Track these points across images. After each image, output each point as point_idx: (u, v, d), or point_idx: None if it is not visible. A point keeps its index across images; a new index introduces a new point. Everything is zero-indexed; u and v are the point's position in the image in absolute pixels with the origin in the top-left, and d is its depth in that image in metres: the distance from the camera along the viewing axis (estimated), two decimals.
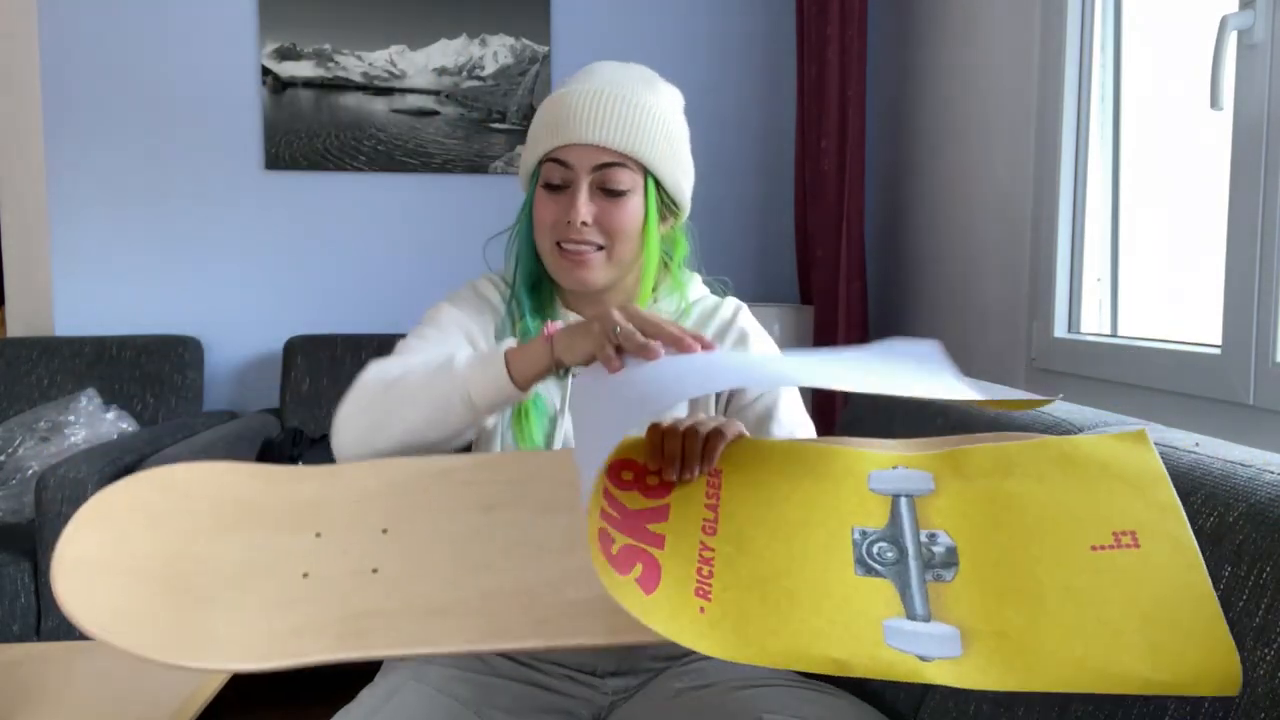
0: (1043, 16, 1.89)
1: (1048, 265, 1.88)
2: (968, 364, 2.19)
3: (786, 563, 0.72)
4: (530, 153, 1.08)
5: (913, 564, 0.71)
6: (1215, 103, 1.37)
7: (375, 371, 0.98)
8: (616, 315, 0.83)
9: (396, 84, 2.70)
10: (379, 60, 2.69)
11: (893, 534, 0.73)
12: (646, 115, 1.04)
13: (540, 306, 1.12)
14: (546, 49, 2.73)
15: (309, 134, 2.68)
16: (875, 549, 0.73)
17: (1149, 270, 1.79)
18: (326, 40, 2.67)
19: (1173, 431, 0.96)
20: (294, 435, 2.36)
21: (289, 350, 2.56)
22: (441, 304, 1.15)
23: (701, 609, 0.67)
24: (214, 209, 2.67)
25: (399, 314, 2.75)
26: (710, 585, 0.69)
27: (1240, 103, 1.37)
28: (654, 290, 1.13)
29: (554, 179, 1.04)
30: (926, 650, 0.65)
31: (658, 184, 1.07)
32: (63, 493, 1.93)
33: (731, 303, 1.17)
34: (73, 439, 2.23)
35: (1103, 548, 0.69)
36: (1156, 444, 0.89)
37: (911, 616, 0.67)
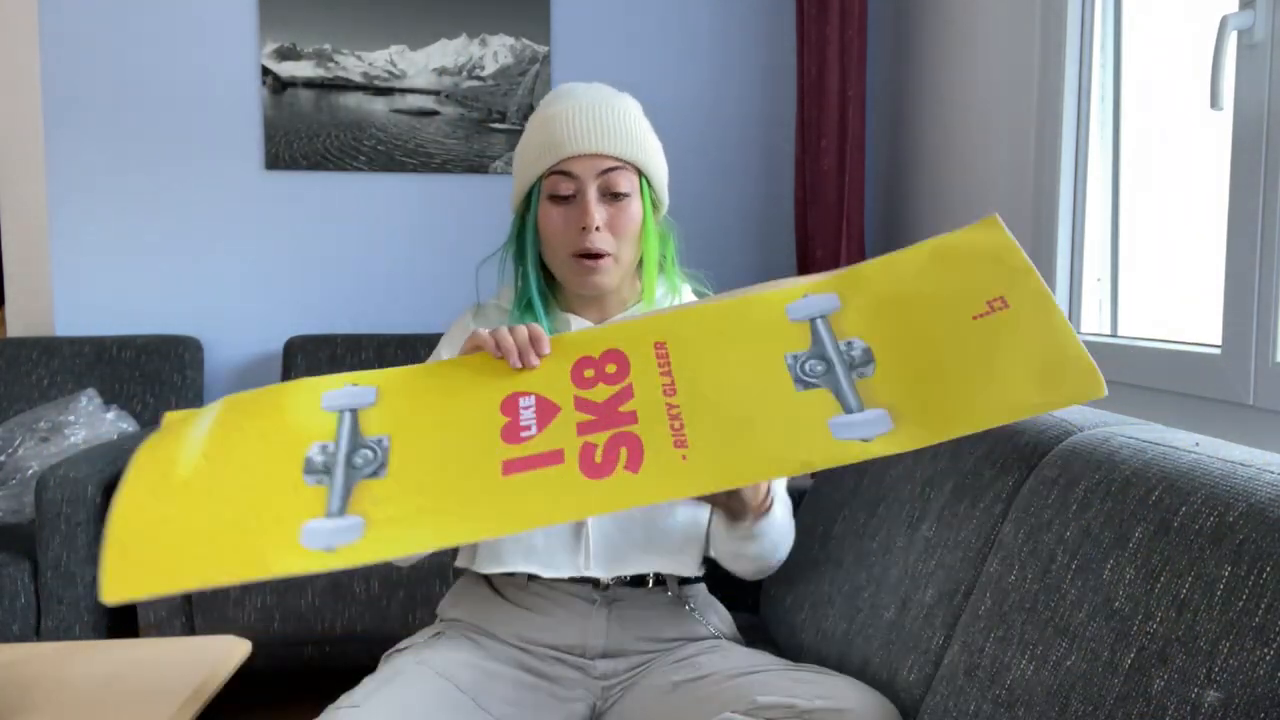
0: (1043, 17, 1.89)
1: (1048, 265, 1.88)
2: None
3: (738, 395, 0.86)
4: (527, 172, 1.13)
5: (840, 369, 0.86)
6: (1215, 103, 1.37)
7: None
8: None
9: (396, 84, 2.70)
10: (379, 60, 2.69)
11: (818, 351, 0.88)
12: (633, 121, 1.13)
13: (540, 320, 1.15)
14: (546, 49, 2.73)
15: (309, 134, 2.68)
16: (807, 366, 0.87)
17: (1149, 270, 1.79)
18: (326, 40, 2.67)
19: (1173, 431, 0.96)
20: None
21: (289, 350, 2.56)
22: None
23: (684, 456, 0.81)
24: (214, 209, 2.67)
25: (399, 314, 2.75)
26: (685, 435, 0.83)
27: (1240, 103, 1.37)
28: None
29: (561, 190, 1.11)
30: (867, 433, 0.80)
31: (648, 182, 1.15)
32: (63, 493, 1.93)
33: None
34: (73, 439, 2.23)
35: (981, 315, 0.84)
36: (1156, 444, 0.90)
37: (848, 411, 0.82)
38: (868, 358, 0.86)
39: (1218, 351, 1.42)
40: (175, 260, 2.66)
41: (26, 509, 2.13)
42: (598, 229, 1.09)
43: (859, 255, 2.41)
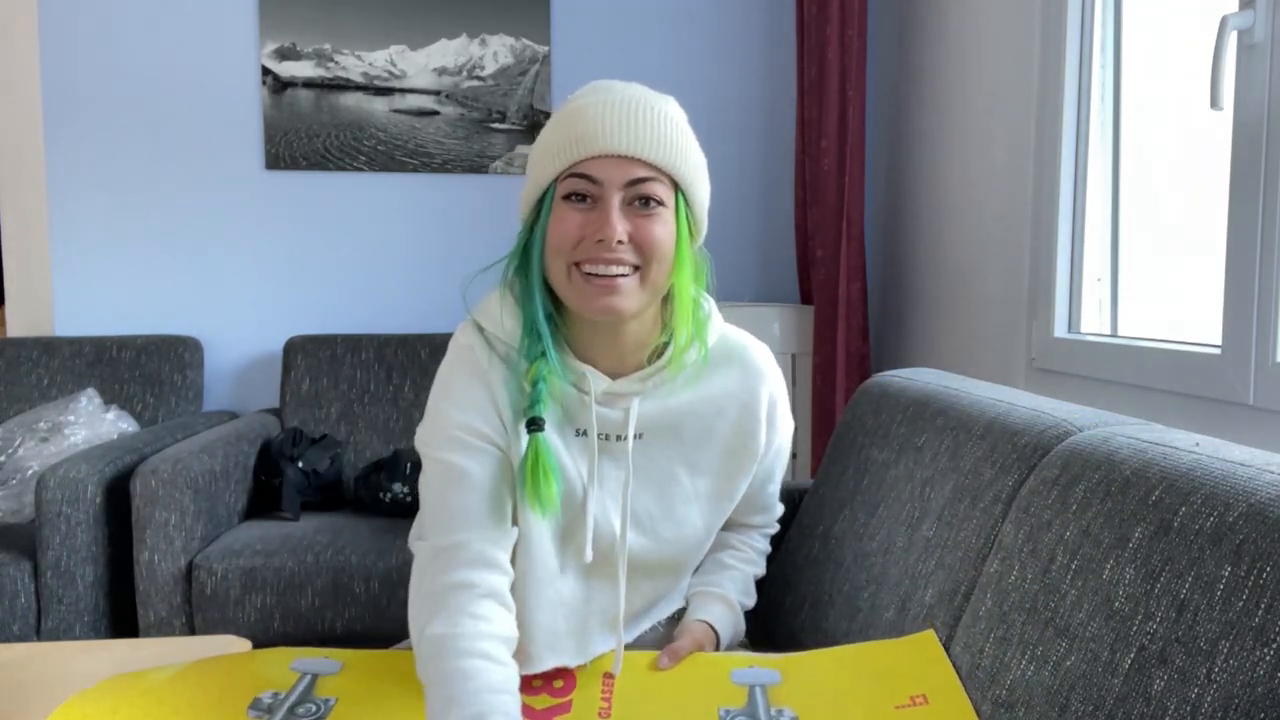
0: (1043, 16, 1.89)
1: (1048, 265, 1.88)
2: (968, 364, 2.19)
3: None
4: (542, 171, 0.95)
5: None
6: (1215, 103, 1.37)
7: (428, 641, 0.91)
8: None
9: (396, 84, 2.70)
10: (379, 60, 2.69)
11: (750, 711, 0.95)
12: (675, 128, 0.96)
13: (545, 353, 0.97)
14: (546, 49, 2.72)
15: (309, 134, 2.68)
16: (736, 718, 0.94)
17: (1149, 270, 1.79)
18: (326, 40, 2.67)
19: (1173, 431, 0.96)
20: (294, 435, 2.36)
21: (289, 350, 2.56)
22: (446, 412, 0.99)
23: None
24: (214, 209, 2.67)
25: (399, 314, 2.75)
26: None
27: (1240, 103, 1.37)
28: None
29: (579, 191, 0.93)
30: None
31: (686, 200, 0.97)
32: (63, 493, 1.93)
33: (755, 367, 1.07)
34: (73, 439, 2.23)
35: (903, 706, 0.91)
36: (1156, 444, 0.90)
37: None
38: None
39: (1218, 351, 1.42)
40: (175, 260, 2.66)
41: (26, 509, 2.13)
42: (620, 242, 0.91)
43: (859, 255, 2.41)
